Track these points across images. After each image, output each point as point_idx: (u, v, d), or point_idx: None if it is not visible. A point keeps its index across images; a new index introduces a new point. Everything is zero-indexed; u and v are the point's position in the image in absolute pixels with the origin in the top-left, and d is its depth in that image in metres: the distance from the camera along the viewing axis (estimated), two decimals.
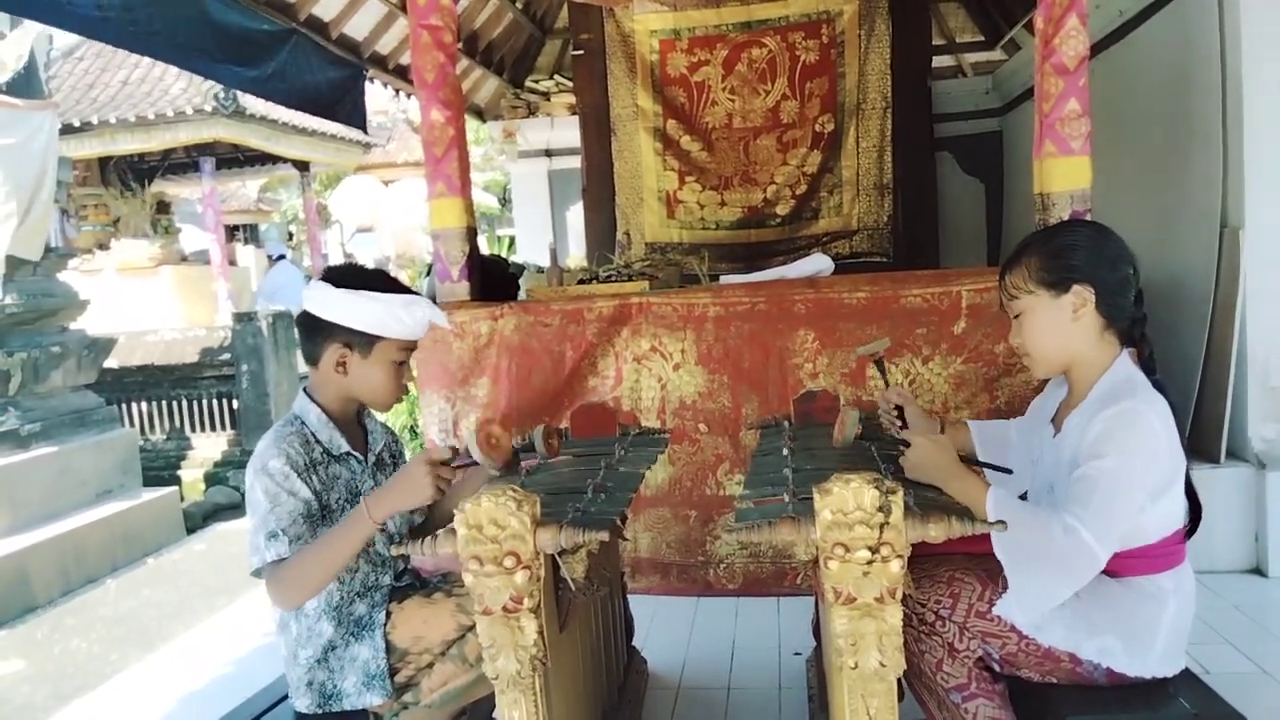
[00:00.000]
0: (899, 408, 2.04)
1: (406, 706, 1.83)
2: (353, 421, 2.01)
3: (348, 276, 1.90)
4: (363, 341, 1.87)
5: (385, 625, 1.86)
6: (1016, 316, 1.81)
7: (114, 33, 3.73)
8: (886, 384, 2.16)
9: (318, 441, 1.89)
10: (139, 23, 3.72)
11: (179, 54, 4.16)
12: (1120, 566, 1.71)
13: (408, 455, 2.01)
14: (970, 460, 1.85)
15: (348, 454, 1.94)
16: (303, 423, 1.91)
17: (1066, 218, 2.93)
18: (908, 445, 1.76)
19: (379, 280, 1.92)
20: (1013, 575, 1.69)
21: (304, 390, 1.96)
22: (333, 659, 1.86)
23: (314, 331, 1.90)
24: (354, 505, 1.88)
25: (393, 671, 1.83)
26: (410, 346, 1.94)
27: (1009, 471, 1.85)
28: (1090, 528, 1.58)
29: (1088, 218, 2.92)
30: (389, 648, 1.84)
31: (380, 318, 1.85)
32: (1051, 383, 1.95)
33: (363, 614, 1.89)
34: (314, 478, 1.83)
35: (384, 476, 2.03)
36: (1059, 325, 1.75)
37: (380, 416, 2.15)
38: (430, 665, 1.85)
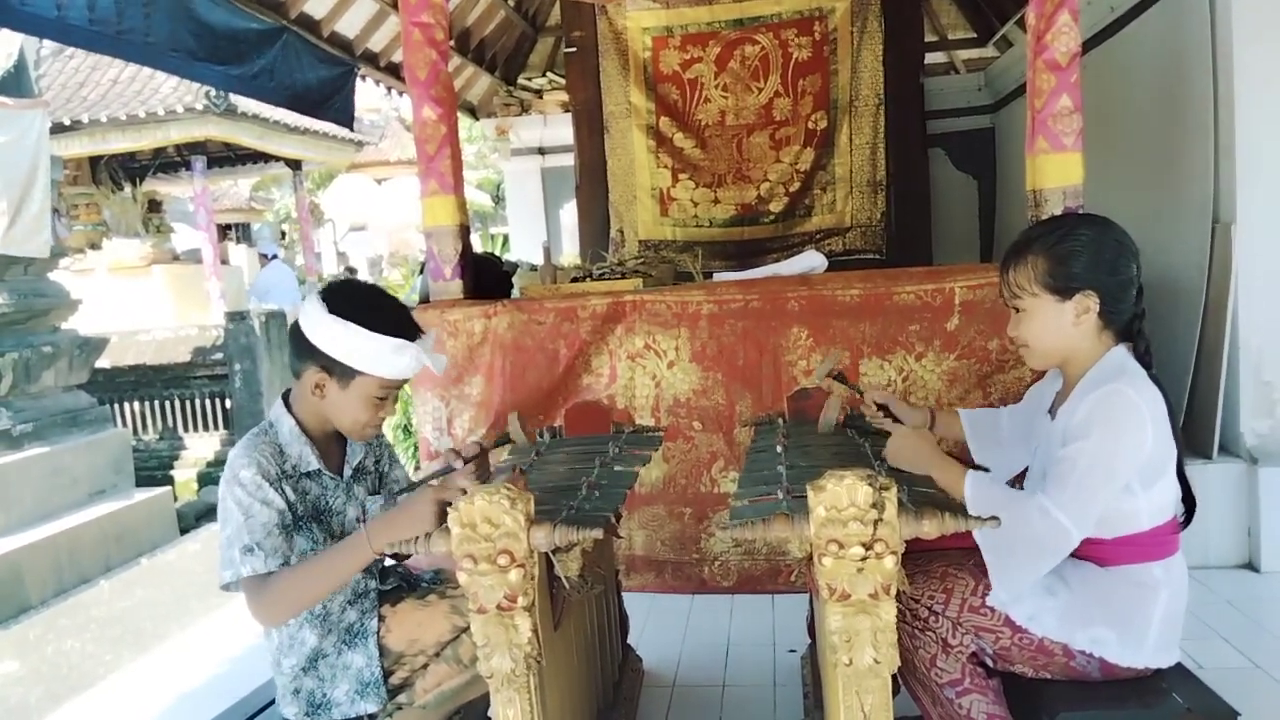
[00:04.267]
0: (883, 406, 2.07)
1: (401, 707, 1.82)
2: (331, 435, 1.93)
3: (345, 301, 1.78)
4: (343, 371, 1.77)
5: (379, 630, 1.84)
6: (1017, 311, 1.82)
7: (77, 34, 3.56)
8: (859, 394, 2.17)
9: (289, 454, 1.83)
10: (105, 22, 3.57)
11: (153, 54, 3.99)
12: (1112, 554, 1.72)
13: (400, 456, 1.99)
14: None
15: (319, 471, 1.87)
16: (277, 432, 1.84)
17: (1059, 214, 2.93)
18: (888, 436, 1.88)
19: (377, 313, 1.78)
20: (988, 554, 1.72)
21: (283, 398, 1.88)
22: (323, 666, 1.83)
23: (299, 346, 1.80)
24: (320, 522, 1.85)
25: (387, 674, 1.82)
26: (393, 385, 1.83)
27: (985, 470, 1.93)
28: (1064, 509, 1.63)
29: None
30: (383, 651, 1.83)
31: (364, 355, 1.75)
32: (1050, 373, 1.96)
33: (354, 621, 1.87)
34: (285, 488, 1.77)
35: (360, 488, 1.97)
36: (1060, 327, 1.76)
37: None
38: (424, 666, 1.84)
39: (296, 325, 1.82)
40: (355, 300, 1.80)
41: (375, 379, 1.79)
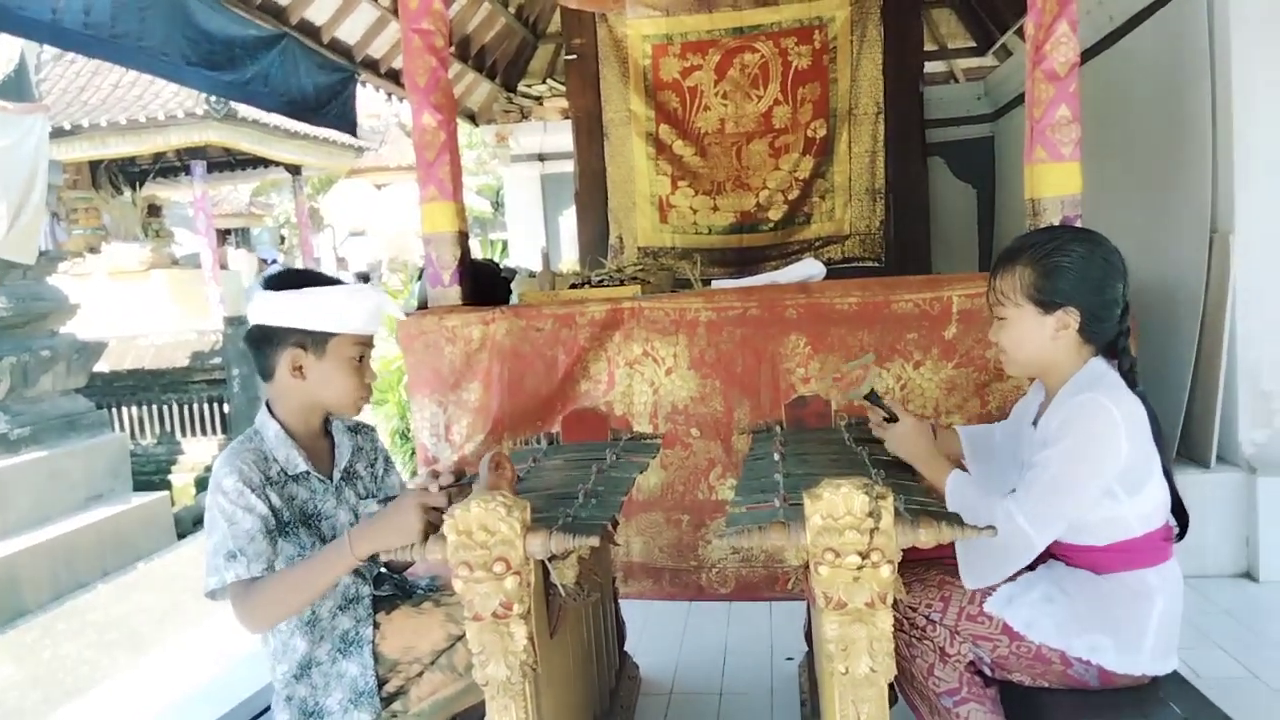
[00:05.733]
0: (891, 418, 2.06)
1: (395, 716, 1.81)
2: (318, 435, 1.94)
3: (288, 279, 1.84)
4: (316, 341, 1.81)
5: (374, 638, 1.83)
6: (1000, 318, 1.83)
7: (71, 38, 3.55)
8: (894, 418, 2.03)
9: (275, 459, 1.83)
10: (99, 26, 3.56)
11: (144, 58, 3.97)
12: (1106, 561, 1.73)
13: (397, 465, 1.98)
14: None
15: (306, 473, 1.86)
16: (262, 438, 1.84)
17: (1057, 223, 2.94)
18: (894, 420, 1.98)
19: (319, 276, 1.88)
20: (960, 550, 1.76)
21: (265, 404, 1.89)
22: (315, 674, 1.82)
23: (265, 342, 1.83)
24: (308, 526, 1.84)
25: (381, 682, 1.81)
26: (365, 341, 1.88)
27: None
28: (1027, 515, 1.66)
29: (1078, 224, 2.93)
30: (377, 658, 1.82)
31: (328, 312, 1.80)
32: (1034, 385, 1.97)
33: (348, 628, 1.85)
34: (270, 495, 1.77)
35: (351, 491, 1.96)
36: (1038, 339, 1.78)
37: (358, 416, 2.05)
38: (419, 674, 1.82)
39: (254, 328, 1.86)
40: (295, 275, 1.88)
41: (348, 337, 1.84)
